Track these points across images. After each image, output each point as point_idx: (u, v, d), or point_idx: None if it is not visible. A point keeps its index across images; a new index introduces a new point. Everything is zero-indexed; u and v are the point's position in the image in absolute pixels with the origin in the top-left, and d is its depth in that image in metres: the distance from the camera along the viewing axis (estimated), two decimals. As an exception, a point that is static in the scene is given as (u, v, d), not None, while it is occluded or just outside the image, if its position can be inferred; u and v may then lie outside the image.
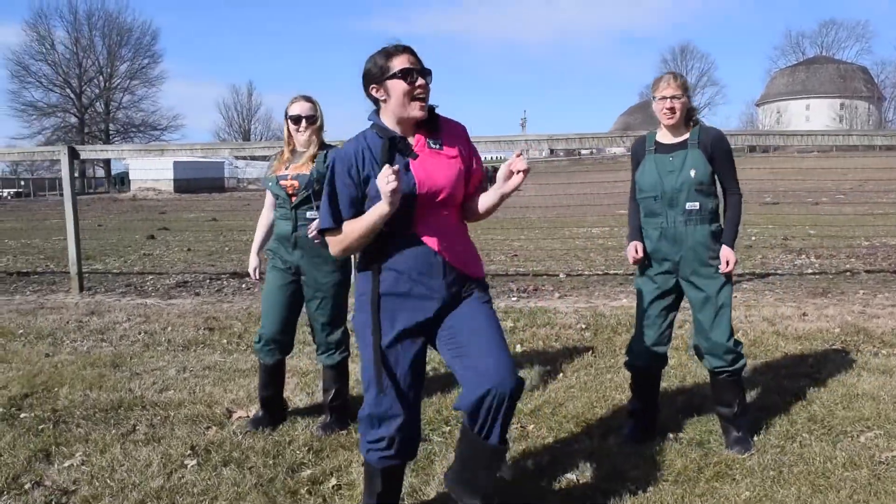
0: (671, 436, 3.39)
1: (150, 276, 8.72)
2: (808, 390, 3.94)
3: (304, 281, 3.60)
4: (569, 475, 2.99)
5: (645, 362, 3.38)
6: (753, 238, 11.12)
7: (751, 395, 3.83)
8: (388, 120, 2.39)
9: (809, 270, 8.23)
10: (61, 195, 7.70)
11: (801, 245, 10.25)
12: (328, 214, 2.39)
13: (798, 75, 73.73)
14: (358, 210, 2.37)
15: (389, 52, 2.35)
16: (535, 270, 8.86)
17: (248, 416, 3.78)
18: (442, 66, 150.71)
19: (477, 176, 2.49)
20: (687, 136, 3.28)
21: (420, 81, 2.32)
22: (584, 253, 10.35)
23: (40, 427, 3.67)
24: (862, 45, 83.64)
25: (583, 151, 66.89)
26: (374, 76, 2.36)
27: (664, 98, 3.22)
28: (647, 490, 2.84)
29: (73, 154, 7.48)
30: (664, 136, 3.33)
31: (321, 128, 3.64)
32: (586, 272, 8.57)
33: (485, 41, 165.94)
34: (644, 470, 3.01)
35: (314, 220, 3.48)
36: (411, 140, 2.39)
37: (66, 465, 3.24)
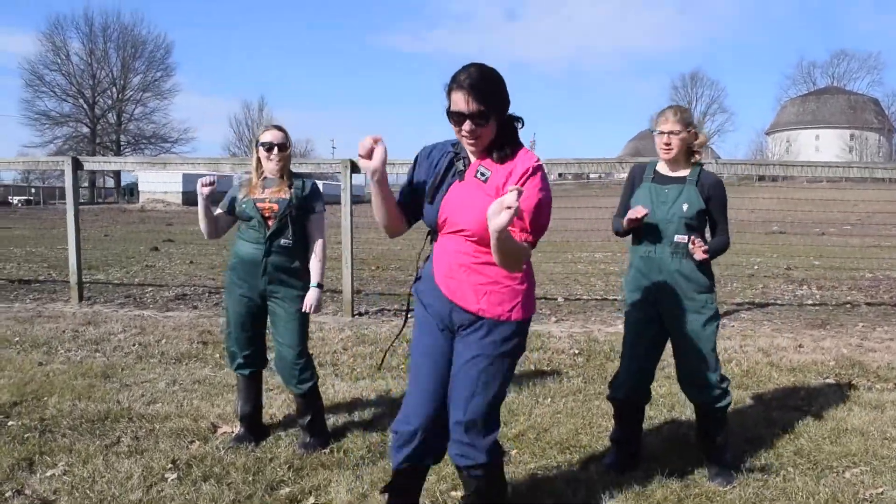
0: (653, 466, 3.36)
1: (150, 288, 8.76)
2: (796, 423, 3.91)
3: (270, 306, 3.61)
4: (547, 502, 2.97)
5: (625, 395, 3.35)
6: (756, 267, 11.09)
7: (738, 427, 3.81)
8: None
9: (810, 301, 8.19)
10: (68, 204, 7.74)
11: (804, 275, 10.21)
12: (400, 192, 2.48)
13: (808, 105, 73.85)
14: (415, 196, 2.45)
15: (449, 86, 2.27)
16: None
17: (232, 432, 3.78)
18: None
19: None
20: (686, 172, 3.29)
21: (466, 127, 2.24)
22: (585, 277, 10.34)
23: (26, 435, 3.68)
24: (873, 77, 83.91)
25: (591, 175, 67.14)
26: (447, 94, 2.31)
27: (662, 133, 3.26)
28: (626, 520, 2.82)
29: (77, 165, 7.54)
30: (664, 168, 3.35)
31: (290, 156, 3.70)
32: (585, 296, 8.56)
33: (496, 62, 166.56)
34: (622, 499, 2.99)
35: (287, 246, 3.56)
36: (472, 161, 2.37)
37: (48, 474, 3.24)
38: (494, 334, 2.35)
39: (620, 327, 6.60)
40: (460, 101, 2.22)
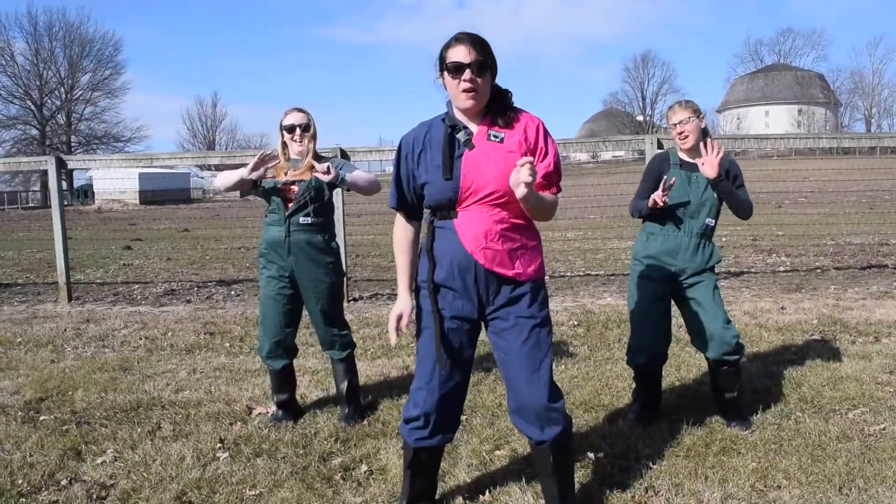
0: (675, 418, 3.61)
1: (137, 286, 8.73)
2: (795, 375, 4.21)
3: (301, 285, 3.71)
4: (588, 454, 3.18)
5: (646, 360, 3.58)
6: (724, 238, 11.52)
7: (744, 377, 4.09)
8: (454, 108, 2.44)
9: (782, 268, 8.60)
10: (22, 209, 7.55)
11: (771, 245, 10.67)
12: (393, 195, 2.53)
13: (757, 82, 75.88)
14: (414, 194, 2.49)
15: (448, 43, 2.38)
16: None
17: (267, 413, 3.91)
18: (406, 75, 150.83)
19: (541, 173, 2.38)
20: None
21: (466, 76, 2.32)
22: (563, 255, 10.60)
23: (64, 428, 3.75)
24: (818, 53, 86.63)
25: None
26: (438, 66, 2.43)
27: (674, 125, 3.50)
28: (662, 464, 3.05)
29: (61, 164, 7.48)
30: (685, 156, 3.58)
31: (314, 136, 3.76)
32: (568, 273, 8.82)
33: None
34: (655, 447, 3.23)
35: (307, 224, 3.65)
36: (474, 129, 2.42)
37: (98, 461, 3.33)
38: (533, 296, 2.45)
39: (610, 300, 6.93)
40: (460, 53, 2.33)
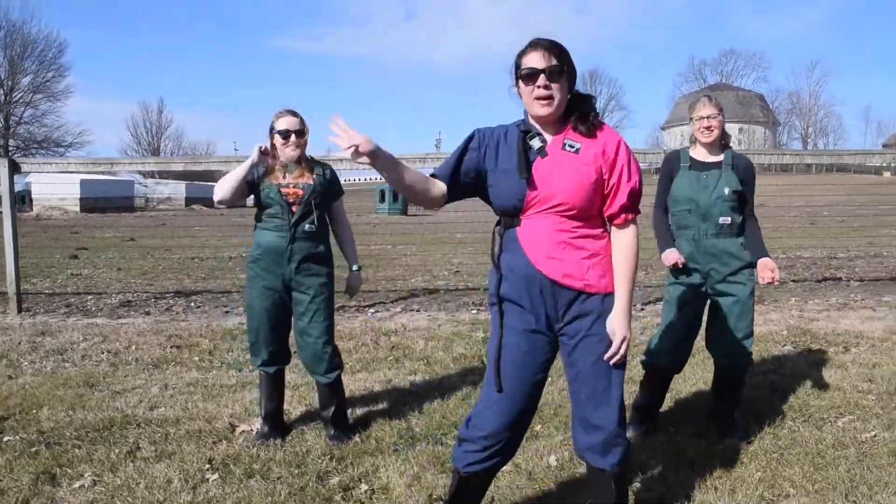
0: (671, 430, 3.61)
1: (90, 297, 8.36)
2: (778, 385, 4.28)
3: (296, 296, 3.58)
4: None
5: (666, 364, 3.57)
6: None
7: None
8: (529, 117, 2.35)
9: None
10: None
11: (725, 257, 10.90)
12: (446, 169, 2.32)
13: (700, 101, 77.81)
14: (464, 184, 2.33)
15: (522, 50, 2.29)
16: (483, 285, 9.04)
17: (251, 430, 3.75)
18: (355, 87, 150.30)
19: (617, 196, 2.27)
20: (721, 157, 3.53)
21: (540, 82, 2.22)
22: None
23: (33, 450, 3.51)
24: (758, 74, 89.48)
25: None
26: (513, 73, 2.32)
27: (702, 118, 3.49)
28: (671, 476, 3.04)
29: (14, 167, 7.12)
30: (698, 154, 3.58)
31: (306, 142, 3.64)
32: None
33: (399, 62, 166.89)
34: (661, 459, 3.21)
35: (311, 232, 3.54)
36: (549, 139, 2.31)
37: (76, 486, 3.12)
38: (606, 310, 2.28)
39: None
40: (536, 59, 2.24)
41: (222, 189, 3.51)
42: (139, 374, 4.90)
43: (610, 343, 2.27)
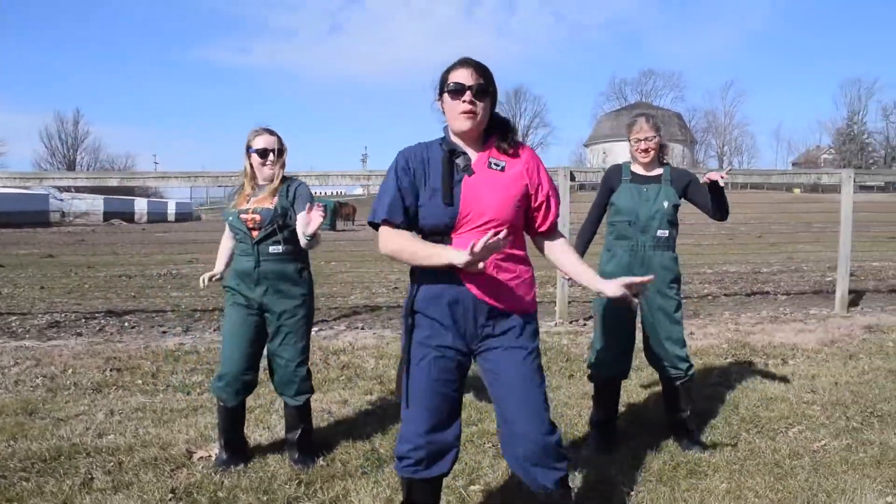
0: (632, 443, 3.69)
1: (13, 317, 7.90)
2: (728, 397, 4.44)
3: (268, 318, 3.49)
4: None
5: (613, 373, 3.67)
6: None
7: (694, 401, 4.27)
8: (452, 133, 2.40)
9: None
10: None
11: (657, 272, 11.26)
12: (395, 207, 2.32)
13: (622, 119, 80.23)
14: (410, 210, 2.33)
15: (450, 67, 2.37)
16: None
17: (209, 456, 3.62)
18: (281, 100, 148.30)
19: (550, 214, 2.44)
20: (660, 171, 3.68)
21: (466, 98, 2.29)
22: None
23: (-27, 484, 3.29)
24: (676, 94, 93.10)
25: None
26: (438, 89, 2.40)
27: (639, 140, 3.62)
28: (640, 491, 3.10)
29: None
30: (639, 169, 3.71)
31: (285, 161, 3.54)
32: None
33: (325, 77, 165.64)
34: (628, 474, 3.28)
35: (278, 253, 3.45)
36: (473, 156, 2.37)
37: (27, 521, 2.95)
38: (527, 328, 2.38)
39: (552, 326, 7.00)
40: (464, 75, 2.31)
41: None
42: (80, 399, 4.66)
43: (531, 358, 2.38)
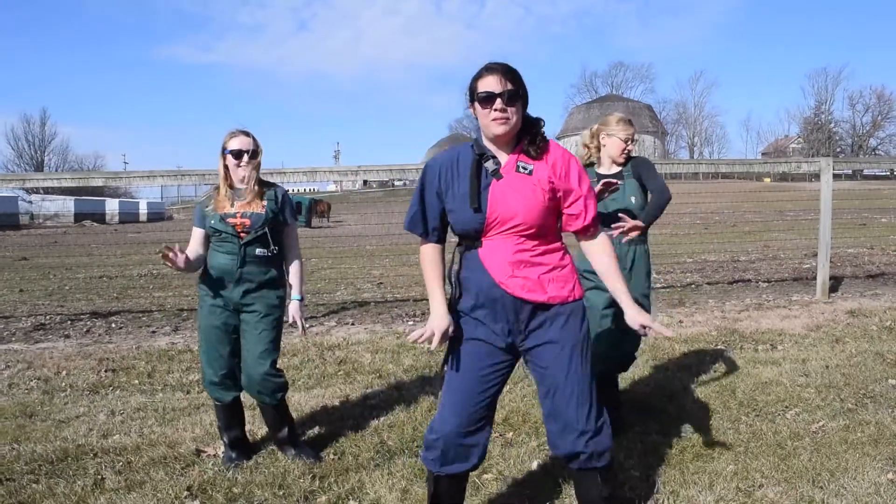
0: (638, 430, 3.76)
1: (-4, 321, 7.79)
2: (723, 382, 4.54)
3: (245, 318, 3.46)
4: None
5: (608, 366, 3.74)
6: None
7: (682, 391, 4.36)
8: (484, 137, 2.42)
9: (659, 285, 9.23)
10: None
11: (639, 262, 11.40)
12: (416, 220, 2.47)
13: (592, 111, 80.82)
14: (442, 220, 2.45)
15: (478, 74, 2.37)
16: (412, 296, 9.07)
17: (217, 454, 3.63)
18: (250, 97, 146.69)
19: (578, 215, 2.41)
20: (622, 168, 3.76)
21: (497, 105, 2.30)
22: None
23: (-19, 487, 3.26)
24: (646, 86, 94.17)
25: (396, 182, 68.56)
26: (468, 97, 2.41)
27: (628, 138, 3.73)
28: (650, 474, 3.17)
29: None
30: (603, 169, 3.80)
31: (260, 163, 3.52)
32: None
33: (295, 73, 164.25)
34: (638, 459, 3.35)
35: (263, 256, 3.44)
36: (503, 160, 2.40)
37: (42, 522, 2.93)
38: (571, 319, 2.39)
39: None
40: (492, 83, 2.31)
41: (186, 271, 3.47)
42: (78, 400, 4.63)
43: (578, 350, 2.39)
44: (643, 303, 3.67)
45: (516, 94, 2.34)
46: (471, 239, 2.40)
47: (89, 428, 4.05)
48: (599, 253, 2.48)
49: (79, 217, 38.80)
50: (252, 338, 3.44)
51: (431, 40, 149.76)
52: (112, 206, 44.09)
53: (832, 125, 75.29)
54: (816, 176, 8.49)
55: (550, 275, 2.38)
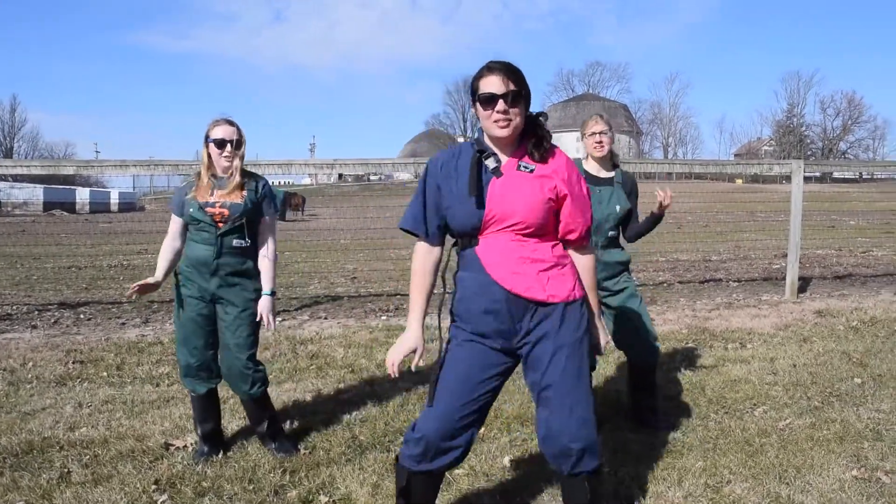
0: (608, 425, 3.79)
1: (-41, 311, 7.62)
2: (694, 380, 4.59)
3: (221, 310, 3.43)
4: (546, 468, 3.25)
5: (638, 354, 3.83)
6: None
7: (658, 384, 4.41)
8: (486, 137, 2.38)
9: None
10: None
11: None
12: (415, 217, 2.41)
13: (569, 110, 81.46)
14: (440, 218, 2.39)
15: (479, 73, 2.32)
16: (385, 291, 9.06)
17: (186, 447, 3.59)
18: (225, 86, 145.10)
19: (576, 227, 2.35)
20: (612, 174, 3.83)
21: (499, 107, 2.25)
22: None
23: (-57, 480, 3.19)
24: (622, 85, 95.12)
25: (371, 177, 68.35)
26: (471, 96, 2.36)
27: (594, 133, 3.74)
28: (620, 471, 3.20)
29: None
30: (591, 168, 3.83)
31: (244, 153, 3.49)
32: (437, 289, 8.92)
33: (270, 64, 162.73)
34: (608, 455, 3.37)
35: (239, 248, 3.42)
36: (504, 159, 2.36)
37: (5, 516, 2.88)
38: (569, 319, 2.32)
39: None
40: (494, 83, 2.26)
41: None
42: (45, 392, 4.55)
43: (576, 352, 2.34)
44: (629, 297, 3.77)
45: (519, 94, 2.29)
46: (468, 237, 2.35)
47: (55, 420, 3.98)
48: (583, 268, 2.42)
49: (48, 206, 38.04)
50: (230, 332, 3.41)
51: (408, 34, 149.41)
52: (83, 195, 43.30)
53: (803, 128, 76.50)
54: (787, 178, 8.63)
55: (550, 272, 2.32)
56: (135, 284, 3.36)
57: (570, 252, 2.42)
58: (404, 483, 2.47)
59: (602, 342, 2.49)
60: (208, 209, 3.35)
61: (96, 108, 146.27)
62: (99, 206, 42.52)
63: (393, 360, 2.40)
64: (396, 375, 2.42)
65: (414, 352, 2.42)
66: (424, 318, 2.46)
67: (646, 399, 3.84)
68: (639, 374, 3.86)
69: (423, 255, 2.45)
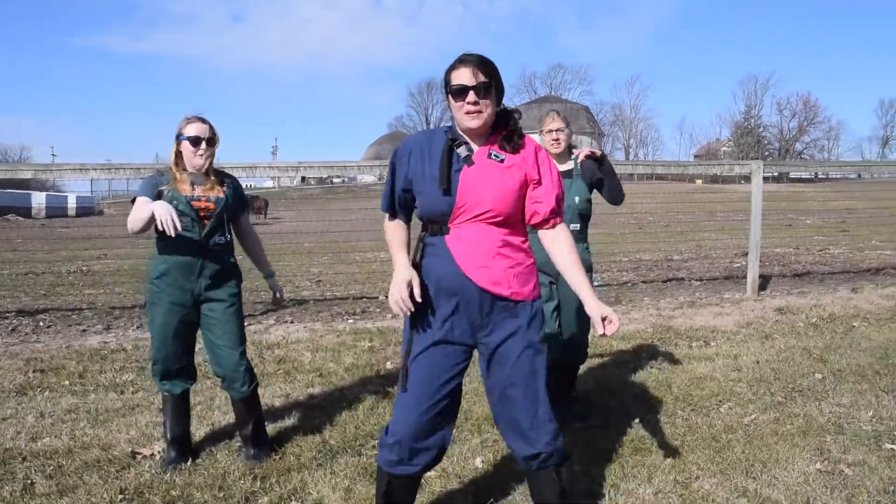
0: (577, 425, 3.83)
1: (-89, 320, 7.37)
2: (660, 378, 4.67)
3: (207, 311, 3.41)
4: (516, 467, 3.27)
5: (564, 356, 3.90)
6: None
7: (620, 385, 4.47)
8: (459, 129, 2.40)
9: (596, 283, 9.41)
10: None
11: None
12: (385, 197, 2.49)
13: (532, 112, 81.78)
14: (408, 200, 2.44)
15: (452, 65, 2.36)
16: (351, 294, 9.01)
17: (153, 455, 3.53)
18: (182, 89, 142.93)
19: (544, 202, 2.38)
20: (570, 166, 3.87)
21: (470, 98, 2.29)
22: (386, 276, 10.69)
23: None
24: (584, 87, 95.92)
25: (335, 179, 67.99)
26: (443, 89, 2.40)
27: (551, 131, 3.79)
28: (591, 468, 3.24)
29: None
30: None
31: (215, 151, 3.45)
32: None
33: (231, 65, 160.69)
34: (579, 453, 3.40)
35: (221, 245, 3.42)
36: (475, 148, 2.38)
37: (-35, 531, 2.80)
38: (527, 318, 2.36)
39: None
40: (465, 75, 2.30)
41: (136, 223, 3.21)
42: (4, 402, 4.42)
43: (534, 352, 2.37)
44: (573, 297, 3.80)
45: (489, 86, 2.32)
46: (437, 224, 2.36)
47: (17, 431, 3.88)
48: (560, 244, 2.42)
49: (2, 211, 37.05)
50: (220, 330, 3.40)
51: (371, 34, 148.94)
52: (39, 199, 42.25)
53: (761, 129, 78.26)
54: (745, 178, 8.82)
55: (515, 270, 2.35)
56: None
57: (542, 234, 2.44)
58: (385, 487, 2.49)
59: (604, 313, 2.34)
60: (194, 203, 3.33)
61: (52, 110, 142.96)
62: (56, 211, 41.58)
63: (398, 297, 2.29)
64: (412, 309, 2.31)
65: (410, 284, 2.32)
66: (409, 260, 2.41)
67: (567, 393, 4.01)
68: (567, 375, 3.97)
69: (393, 225, 2.52)
